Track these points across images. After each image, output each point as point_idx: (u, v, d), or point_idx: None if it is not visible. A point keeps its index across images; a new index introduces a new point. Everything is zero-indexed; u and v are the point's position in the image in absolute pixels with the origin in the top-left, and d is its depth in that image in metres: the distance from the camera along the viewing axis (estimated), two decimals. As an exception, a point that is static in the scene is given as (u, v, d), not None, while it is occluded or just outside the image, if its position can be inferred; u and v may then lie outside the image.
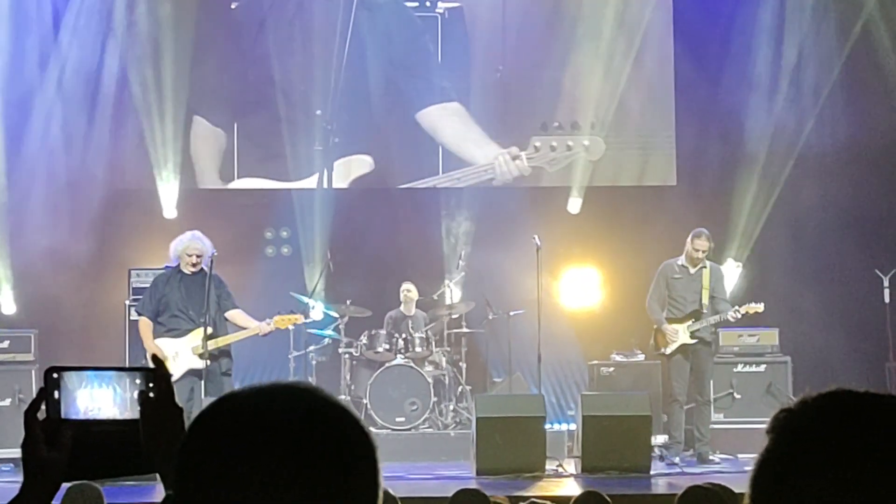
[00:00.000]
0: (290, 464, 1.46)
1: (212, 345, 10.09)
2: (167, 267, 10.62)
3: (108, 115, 13.78)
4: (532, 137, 14.05)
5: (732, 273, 13.20)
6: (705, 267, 11.44)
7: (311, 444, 1.48)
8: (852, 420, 1.52)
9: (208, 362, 10.05)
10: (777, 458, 1.53)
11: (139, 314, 10.52)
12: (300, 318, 10.94)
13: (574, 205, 14.01)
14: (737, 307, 11.33)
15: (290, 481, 1.46)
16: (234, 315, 10.35)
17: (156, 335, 10.26)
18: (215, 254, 10.33)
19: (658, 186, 14.12)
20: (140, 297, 12.04)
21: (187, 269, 10.30)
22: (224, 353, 10.27)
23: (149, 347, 10.15)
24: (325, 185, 13.89)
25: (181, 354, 10.10)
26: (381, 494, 1.54)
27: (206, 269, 10.27)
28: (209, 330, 10.09)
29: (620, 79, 13.99)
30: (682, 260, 11.50)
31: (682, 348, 11.31)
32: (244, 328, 10.35)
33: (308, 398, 1.54)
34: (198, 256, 10.26)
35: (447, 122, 14.04)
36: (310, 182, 13.91)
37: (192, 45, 13.89)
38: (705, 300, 11.35)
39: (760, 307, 11.30)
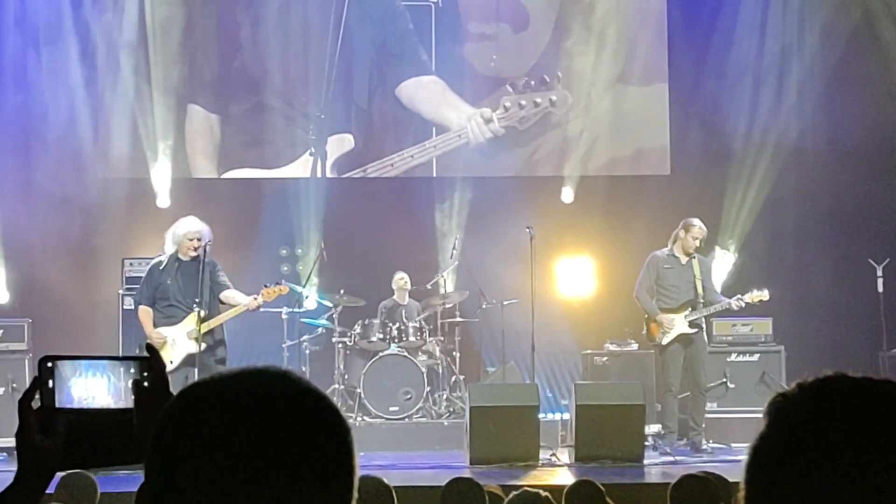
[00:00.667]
0: (263, 448, 1.46)
1: (206, 327, 10.07)
2: (160, 256, 10.56)
3: (101, 102, 13.77)
4: (501, 98, 14.07)
5: (726, 261, 13.21)
6: (694, 258, 11.44)
7: (284, 427, 1.48)
8: (849, 405, 1.51)
9: (203, 346, 10.03)
10: (773, 442, 1.53)
11: (137, 303, 10.47)
12: (286, 289, 10.90)
13: (567, 194, 14.02)
14: (740, 296, 11.32)
15: (264, 465, 1.45)
16: (228, 296, 10.31)
17: (154, 323, 10.22)
18: (211, 240, 10.30)
19: (652, 176, 14.13)
20: (134, 286, 12.05)
21: (186, 255, 10.21)
22: (219, 341, 10.25)
23: (150, 335, 10.12)
24: (319, 175, 13.91)
25: (178, 341, 10.07)
26: (356, 478, 1.54)
27: (201, 255, 10.22)
28: (203, 314, 10.07)
29: (614, 66, 14.01)
30: (671, 250, 11.48)
31: (679, 338, 11.30)
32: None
33: (280, 382, 1.53)
34: (198, 240, 10.20)
35: (423, 91, 14.08)
36: (296, 167, 13.93)
37: (182, 31, 13.88)
38: (699, 289, 11.35)
39: (766, 294, 11.27)
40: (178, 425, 1.51)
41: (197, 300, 10.04)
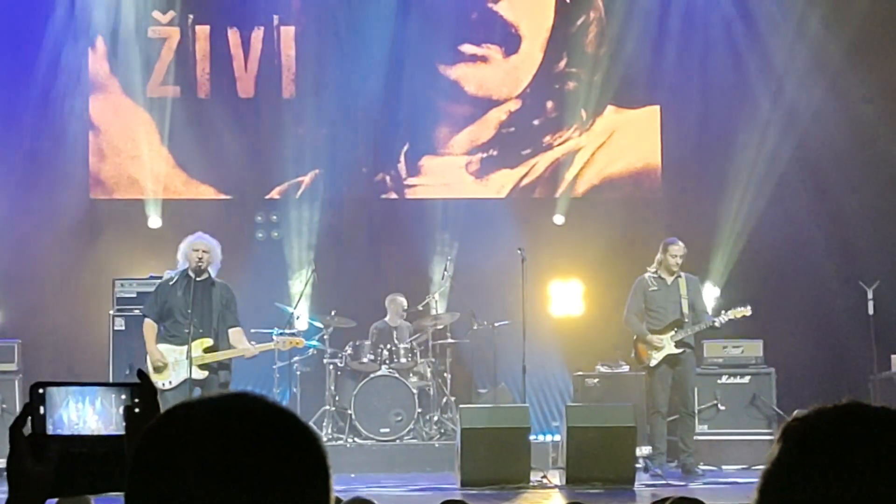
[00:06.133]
0: (239, 471, 1.47)
1: (209, 358, 10.01)
2: (174, 272, 10.44)
3: (92, 122, 13.79)
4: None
5: (710, 293, 13.18)
6: (681, 277, 11.43)
7: (260, 451, 1.49)
8: (865, 433, 1.52)
9: (206, 371, 9.99)
10: (788, 467, 1.53)
11: (144, 316, 10.37)
12: (301, 342, 10.97)
13: (559, 216, 14.04)
14: (723, 311, 11.34)
15: (240, 489, 1.47)
16: (233, 333, 10.19)
17: (158, 339, 10.16)
18: (220, 258, 10.22)
19: (644, 198, 14.16)
20: (124, 307, 12.03)
21: (193, 265, 9.98)
22: (224, 365, 10.13)
23: (150, 352, 10.05)
24: (297, 197, 13.91)
25: (180, 363, 9.99)
26: (332, 502, 1.55)
27: (212, 275, 10.13)
28: (210, 342, 10.02)
29: (606, 89, 14.06)
30: (656, 271, 11.47)
31: (667, 358, 11.28)
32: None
33: (256, 407, 1.55)
34: (204, 252, 10.06)
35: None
36: (296, 186, 13.98)
37: (175, 52, 13.92)
38: (685, 309, 11.33)
39: (748, 310, 11.28)
40: (155, 449, 1.52)
41: (202, 329, 9.97)
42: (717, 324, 11.25)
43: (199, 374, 9.95)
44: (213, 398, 1.56)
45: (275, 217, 13.99)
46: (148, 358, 10.03)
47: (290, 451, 1.51)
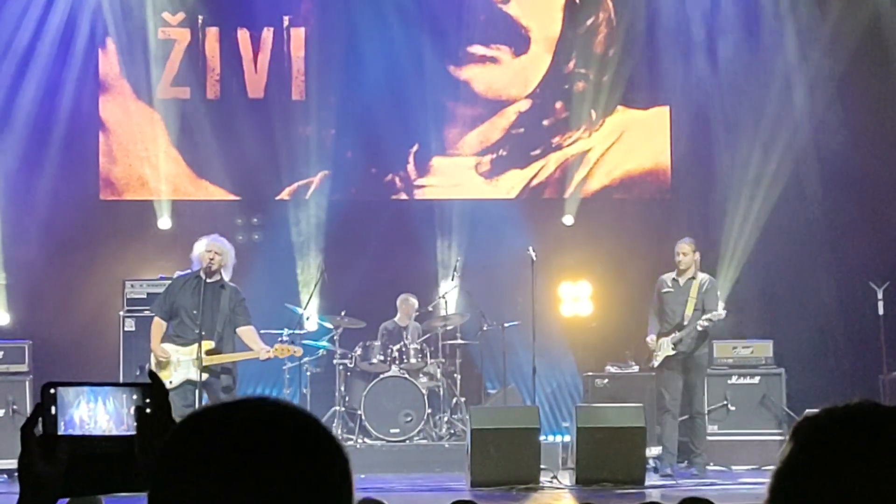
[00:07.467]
0: (264, 476, 1.48)
1: (212, 360, 10.00)
2: (186, 272, 10.46)
3: (104, 124, 13.81)
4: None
5: (726, 283, 13.18)
6: (694, 278, 11.39)
7: (284, 456, 1.49)
8: (875, 432, 1.52)
9: (207, 374, 9.99)
10: (798, 466, 1.53)
11: (153, 314, 10.41)
12: (300, 351, 10.96)
13: (568, 217, 14.03)
14: (708, 316, 11.25)
15: (265, 494, 1.47)
16: (244, 332, 10.17)
17: (164, 339, 10.17)
18: (234, 262, 10.24)
19: (653, 199, 14.15)
20: (134, 307, 12.06)
21: (204, 265, 10.02)
22: (226, 369, 10.12)
23: (154, 349, 10.08)
24: (306, 197, 13.92)
25: (182, 364, 10.00)
26: None
27: (224, 277, 10.15)
28: (212, 345, 10.02)
29: (615, 89, 14.05)
30: (674, 272, 11.48)
31: (667, 361, 11.27)
32: (249, 347, 10.24)
33: (278, 411, 1.55)
34: (216, 253, 10.08)
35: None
36: (306, 188, 13.98)
37: (184, 52, 13.93)
38: (688, 312, 11.28)
39: (722, 314, 11.24)
40: (180, 453, 1.52)
41: (205, 331, 9.96)
42: (699, 327, 11.22)
43: (201, 376, 9.95)
44: (238, 402, 1.57)
45: (256, 220, 13.98)
46: (152, 354, 10.07)
47: (315, 455, 1.52)
